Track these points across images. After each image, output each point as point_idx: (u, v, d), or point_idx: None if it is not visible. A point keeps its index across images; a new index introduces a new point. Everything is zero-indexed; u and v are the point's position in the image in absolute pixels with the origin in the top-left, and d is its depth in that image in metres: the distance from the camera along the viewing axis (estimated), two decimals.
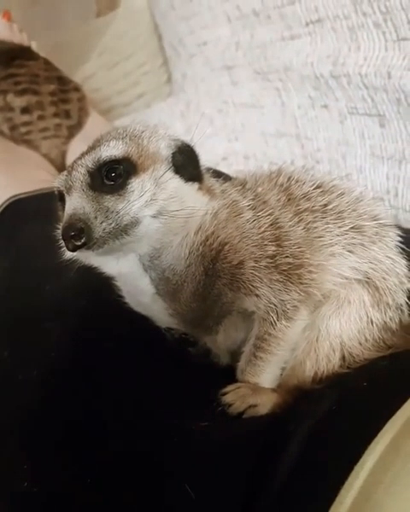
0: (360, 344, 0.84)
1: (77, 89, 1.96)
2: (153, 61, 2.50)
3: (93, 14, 3.02)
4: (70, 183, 0.80)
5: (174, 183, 0.82)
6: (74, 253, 0.80)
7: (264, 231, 0.83)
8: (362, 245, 0.86)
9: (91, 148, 0.83)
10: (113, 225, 0.77)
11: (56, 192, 0.85)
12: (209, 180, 0.91)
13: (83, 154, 0.84)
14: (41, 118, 1.81)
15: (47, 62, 1.93)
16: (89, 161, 0.80)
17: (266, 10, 1.76)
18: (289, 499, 0.65)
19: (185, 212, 0.82)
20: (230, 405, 0.81)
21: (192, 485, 0.69)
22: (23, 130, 1.80)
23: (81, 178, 0.80)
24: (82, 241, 0.75)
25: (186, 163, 0.85)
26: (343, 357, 0.84)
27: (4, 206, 1.52)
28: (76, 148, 1.83)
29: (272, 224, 0.84)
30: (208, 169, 0.92)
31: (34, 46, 2.00)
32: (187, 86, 2.18)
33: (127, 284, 0.91)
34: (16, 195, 1.53)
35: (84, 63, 2.45)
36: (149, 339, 0.92)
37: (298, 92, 1.70)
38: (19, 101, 1.79)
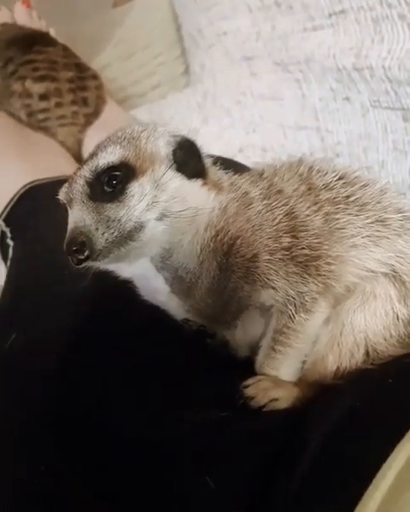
0: (385, 340, 0.82)
1: (95, 76, 1.94)
2: (169, 52, 2.47)
3: (110, 5, 3.01)
4: (71, 195, 0.80)
5: (175, 182, 0.80)
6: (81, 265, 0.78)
7: (279, 222, 0.82)
8: (387, 238, 0.85)
9: (92, 155, 0.83)
10: (115, 234, 0.76)
11: (62, 203, 0.84)
12: (216, 173, 0.89)
13: (84, 163, 0.83)
14: (58, 105, 1.80)
15: (65, 49, 1.91)
16: (87, 171, 0.79)
17: (288, 1, 1.73)
18: (308, 499, 0.64)
19: (190, 212, 0.80)
20: (251, 398, 0.80)
21: (209, 475, 0.68)
22: (40, 116, 1.78)
23: (80, 190, 0.79)
24: (85, 254, 0.74)
25: (188, 159, 0.83)
26: (367, 353, 0.83)
27: (22, 191, 1.52)
28: (93, 136, 1.82)
29: (287, 215, 0.82)
30: (217, 160, 0.90)
31: (53, 33, 1.99)
32: (205, 77, 2.16)
33: (143, 285, 0.90)
34: (33, 181, 1.52)
35: (99, 53, 2.43)
36: (166, 328, 0.90)
37: (319, 84, 1.67)
38: (37, 88, 1.77)
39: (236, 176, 0.91)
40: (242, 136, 1.89)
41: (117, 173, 0.78)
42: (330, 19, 1.62)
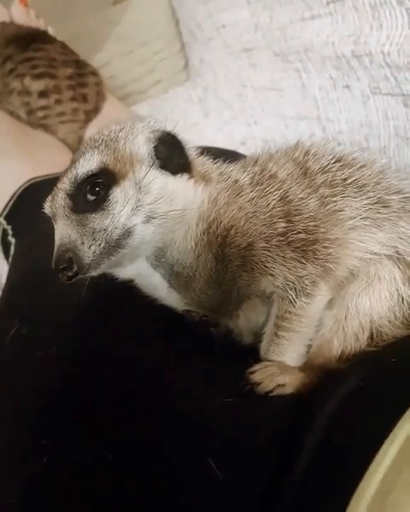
0: (390, 322, 0.82)
1: (94, 73, 1.94)
2: (169, 48, 2.47)
3: (109, 3, 3.01)
4: (54, 209, 0.78)
5: (159, 182, 0.79)
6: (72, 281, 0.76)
7: (273, 208, 0.81)
8: (389, 219, 0.84)
9: (72, 163, 0.80)
10: (103, 245, 0.75)
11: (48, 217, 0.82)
12: (204, 164, 0.88)
13: (64, 172, 0.80)
14: (58, 102, 1.79)
15: (64, 46, 1.91)
16: (67, 184, 0.77)
17: None
18: (313, 482, 0.64)
19: (177, 210, 0.79)
20: (258, 384, 0.79)
21: (215, 461, 0.68)
22: (40, 114, 1.78)
23: (63, 203, 0.77)
24: (73, 270, 0.73)
25: (171, 153, 0.82)
26: (371, 336, 0.82)
27: (23, 188, 1.51)
28: (93, 132, 1.82)
29: (280, 200, 0.81)
30: (204, 150, 0.89)
31: (51, 31, 1.99)
32: (205, 71, 2.15)
33: (142, 283, 0.89)
34: (34, 178, 1.52)
35: (99, 51, 2.43)
36: (170, 316, 0.90)
37: (319, 73, 1.66)
38: (36, 85, 1.77)
39: (225, 164, 0.90)
40: (243, 129, 1.89)
41: (98, 180, 0.76)
42: (328, 7, 1.61)
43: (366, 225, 0.82)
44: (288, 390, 0.80)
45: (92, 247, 0.74)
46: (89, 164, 0.77)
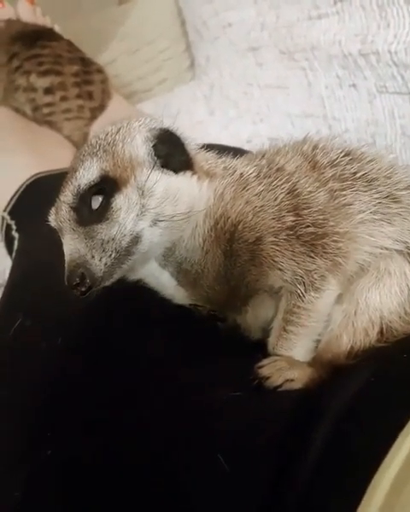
0: (400, 317, 0.81)
1: (100, 70, 1.93)
2: (175, 46, 2.47)
3: (114, 2, 3.01)
4: (59, 223, 0.77)
5: (162, 183, 0.77)
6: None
7: (281, 202, 0.80)
8: (399, 214, 0.83)
9: (72, 171, 0.78)
10: (113, 255, 0.73)
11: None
12: (207, 160, 0.86)
13: (65, 183, 0.79)
14: (64, 99, 1.79)
15: (70, 44, 1.91)
16: (69, 196, 0.76)
17: None
18: (322, 478, 0.62)
19: (184, 210, 0.78)
20: (267, 378, 0.79)
21: (223, 454, 0.67)
22: (46, 110, 1.78)
23: (67, 217, 0.76)
24: (87, 285, 0.72)
25: (171, 151, 0.80)
26: (381, 332, 0.81)
27: (27, 183, 1.51)
28: (98, 130, 1.81)
29: (289, 193, 0.81)
30: (207, 147, 0.88)
31: (57, 29, 1.98)
32: (210, 69, 2.15)
33: (150, 282, 0.88)
34: (39, 173, 1.52)
35: (104, 51, 2.43)
36: (176, 312, 0.89)
37: (325, 72, 1.66)
38: (42, 82, 1.77)
39: (229, 159, 0.88)
40: (249, 127, 1.89)
41: (100, 189, 0.75)
42: (336, 6, 1.60)
43: (376, 219, 0.82)
44: (297, 385, 0.79)
45: (103, 259, 0.73)
46: (89, 173, 0.75)
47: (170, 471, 0.69)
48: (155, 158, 0.79)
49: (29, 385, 0.85)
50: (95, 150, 0.78)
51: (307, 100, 1.74)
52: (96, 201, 0.75)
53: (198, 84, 2.17)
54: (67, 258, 0.74)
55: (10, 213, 1.51)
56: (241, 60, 1.97)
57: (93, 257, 0.73)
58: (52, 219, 0.79)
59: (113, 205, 0.74)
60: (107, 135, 0.81)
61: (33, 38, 1.83)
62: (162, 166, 0.79)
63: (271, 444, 0.70)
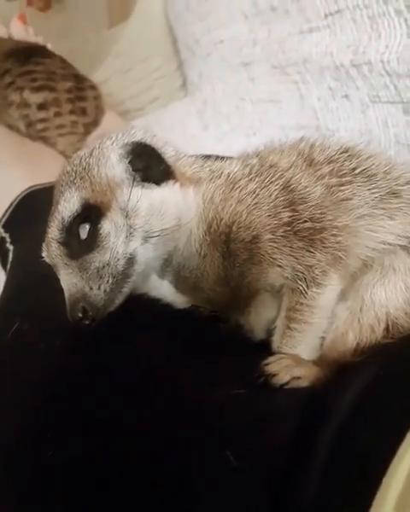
0: (406, 313, 0.80)
1: (93, 87, 1.94)
2: (167, 65, 2.50)
3: (106, 25, 3.05)
4: (52, 260, 0.77)
5: (145, 200, 0.76)
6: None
7: (276, 198, 0.79)
8: (401, 210, 0.83)
9: (54, 206, 0.78)
10: (111, 280, 0.73)
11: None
12: (190, 166, 0.86)
13: (50, 218, 0.78)
14: (57, 114, 1.79)
15: (63, 60, 1.92)
16: (56, 232, 0.76)
17: (283, 5, 1.74)
18: (331, 478, 0.61)
19: (172, 221, 0.78)
20: (273, 376, 0.76)
21: (230, 451, 0.65)
22: (39, 126, 1.77)
23: (58, 253, 0.76)
24: (90, 318, 0.72)
25: (149, 163, 0.80)
26: (387, 329, 0.79)
27: (21, 196, 1.50)
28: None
29: (283, 189, 0.80)
30: (184, 156, 0.87)
31: (50, 47, 2.00)
32: (203, 86, 2.16)
33: (151, 293, 0.88)
34: (33, 186, 1.51)
35: (97, 69, 2.45)
36: (176, 313, 0.88)
37: (317, 84, 1.67)
38: (35, 98, 1.77)
39: (215, 161, 0.88)
40: (242, 140, 1.89)
41: (85, 217, 0.74)
42: (327, 19, 1.62)
43: (377, 214, 0.81)
44: (304, 383, 0.77)
45: (102, 286, 0.73)
46: (70, 204, 0.75)
47: (170, 471, 0.67)
48: (134, 173, 0.79)
49: (29, 385, 0.83)
50: (72, 178, 0.78)
51: (300, 112, 1.75)
52: (84, 230, 0.74)
53: (191, 100, 2.18)
54: (65, 294, 0.74)
55: (4, 226, 1.50)
56: (233, 75, 1.98)
57: (91, 288, 0.73)
58: (45, 256, 0.79)
59: (100, 231, 0.74)
60: (81, 160, 0.80)
61: (26, 55, 1.84)
62: (143, 180, 0.79)
63: (273, 444, 0.68)
